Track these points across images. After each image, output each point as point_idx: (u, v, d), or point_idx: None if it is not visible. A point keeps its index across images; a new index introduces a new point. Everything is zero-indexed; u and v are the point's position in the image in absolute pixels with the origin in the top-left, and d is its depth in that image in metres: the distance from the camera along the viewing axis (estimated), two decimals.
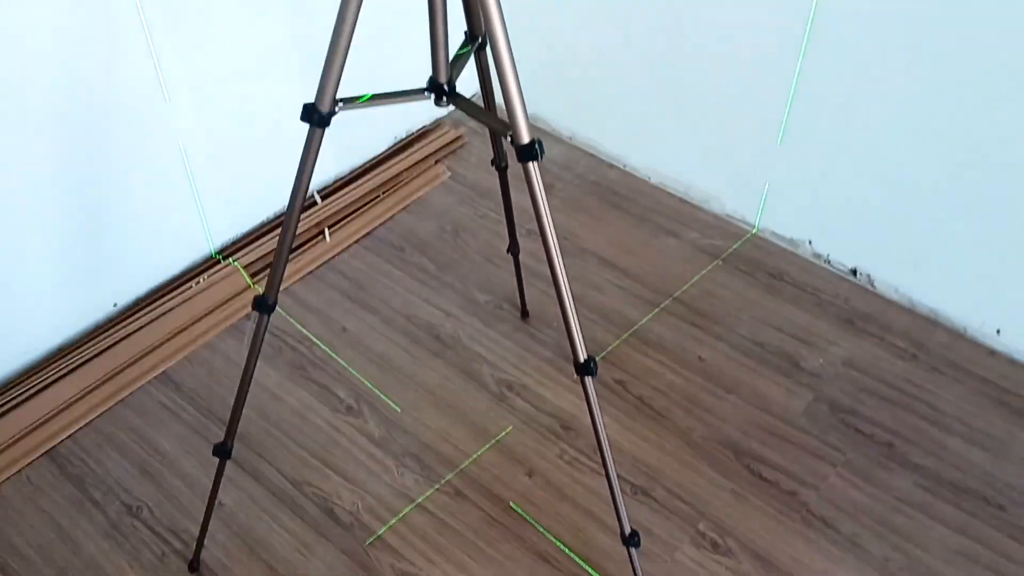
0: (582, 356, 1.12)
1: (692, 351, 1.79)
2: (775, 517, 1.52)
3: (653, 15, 1.93)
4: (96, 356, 1.70)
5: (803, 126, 1.83)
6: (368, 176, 2.12)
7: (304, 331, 1.82)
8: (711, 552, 1.48)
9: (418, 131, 2.28)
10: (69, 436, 1.63)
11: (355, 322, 1.84)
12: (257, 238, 1.97)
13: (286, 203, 1.10)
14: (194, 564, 1.44)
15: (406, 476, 1.58)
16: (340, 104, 1.01)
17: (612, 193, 2.16)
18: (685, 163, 2.10)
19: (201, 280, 1.86)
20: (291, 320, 1.84)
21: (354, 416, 1.67)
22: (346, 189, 2.08)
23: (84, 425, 1.64)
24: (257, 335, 1.19)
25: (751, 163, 1.96)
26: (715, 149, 2.02)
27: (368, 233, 2.04)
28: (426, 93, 1.07)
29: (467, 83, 1.42)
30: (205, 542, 1.43)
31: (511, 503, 1.54)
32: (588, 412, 1.17)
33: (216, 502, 1.39)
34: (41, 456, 1.59)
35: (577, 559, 1.47)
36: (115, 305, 1.79)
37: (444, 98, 1.06)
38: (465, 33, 1.17)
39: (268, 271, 1.15)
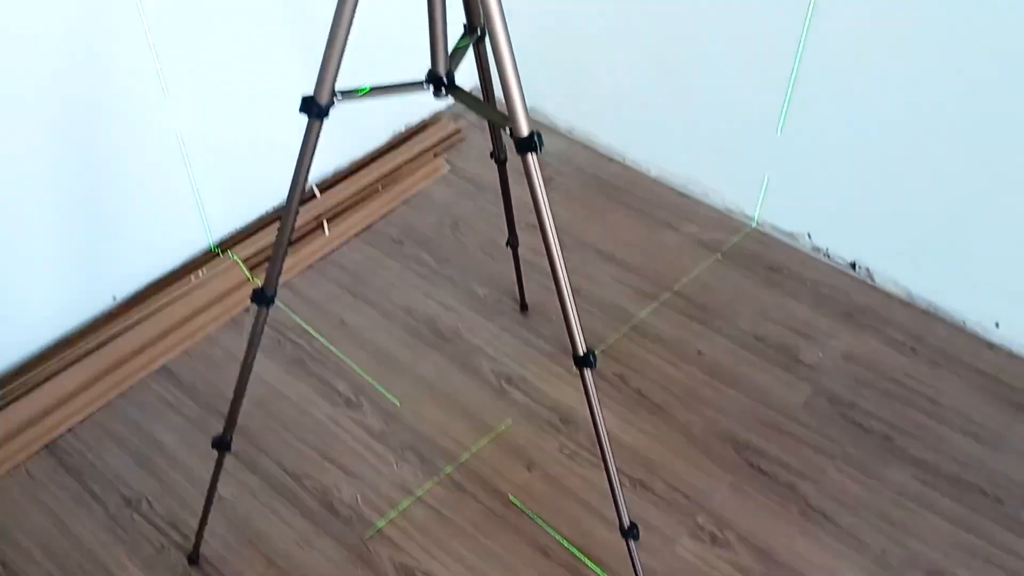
0: (581, 349, 1.12)
1: (691, 344, 1.79)
2: (774, 510, 1.52)
3: (652, 7, 1.92)
4: (95, 349, 1.70)
5: (803, 118, 1.82)
6: (367, 169, 2.12)
7: (303, 325, 1.82)
8: (710, 545, 1.48)
9: (417, 125, 2.28)
10: (69, 429, 1.63)
11: (354, 316, 1.84)
12: (256, 231, 1.96)
13: (285, 196, 1.10)
14: (194, 557, 1.44)
15: (405, 469, 1.58)
16: (339, 96, 1.00)
17: (611, 186, 2.16)
18: (684, 156, 2.10)
19: (200, 273, 1.86)
20: (290, 314, 1.84)
21: (353, 409, 1.67)
22: (345, 182, 2.08)
23: (84, 418, 1.64)
24: (256, 328, 1.19)
25: (750, 155, 1.96)
26: (714, 142, 2.01)
27: (367, 226, 2.04)
28: (425, 85, 1.06)
29: (466, 78, 1.42)
30: (205, 535, 1.43)
31: (510, 496, 1.54)
32: (587, 405, 1.17)
33: (215, 495, 1.39)
34: (41, 449, 1.60)
35: (576, 552, 1.47)
36: (114, 298, 1.79)
37: (443, 90, 1.06)
38: (464, 25, 1.17)
39: (267, 264, 1.15)
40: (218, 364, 1.74)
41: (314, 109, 1.00)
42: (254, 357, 1.23)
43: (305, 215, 1.98)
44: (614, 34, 2.03)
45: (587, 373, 1.14)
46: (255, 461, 1.58)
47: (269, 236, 1.95)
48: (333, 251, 1.98)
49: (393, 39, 1.92)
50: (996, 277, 1.73)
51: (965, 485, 1.56)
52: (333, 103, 1.01)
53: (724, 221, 2.06)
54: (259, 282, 1.15)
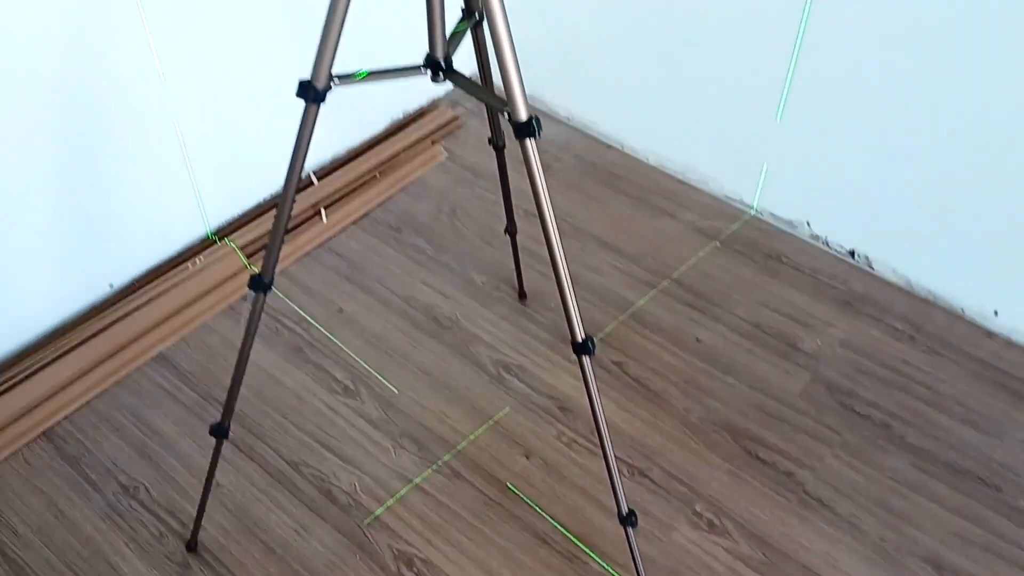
0: (580, 336, 1.11)
1: (690, 332, 1.79)
2: (772, 497, 1.53)
3: None
4: (92, 337, 1.69)
5: (802, 105, 1.82)
6: (364, 157, 2.11)
7: (301, 312, 1.81)
8: (708, 532, 1.48)
9: (415, 111, 2.27)
10: (66, 417, 1.62)
11: (352, 303, 1.84)
12: (253, 218, 1.96)
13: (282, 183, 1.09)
14: (192, 544, 1.44)
15: (403, 457, 1.58)
16: (336, 80, 1.00)
17: (610, 174, 2.15)
18: (683, 144, 2.09)
19: (197, 261, 1.85)
20: (288, 301, 1.83)
21: (351, 397, 1.67)
22: (342, 170, 2.07)
23: (81, 406, 1.64)
24: (253, 314, 1.19)
25: (749, 143, 1.95)
26: (713, 129, 2.01)
27: (365, 214, 2.03)
28: (423, 69, 1.06)
29: (464, 65, 1.41)
30: (203, 522, 1.43)
31: (508, 484, 1.54)
32: (586, 392, 1.17)
33: (214, 483, 1.39)
34: (38, 437, 1.59)
35: (574, 539, 1.47)
36: (111, 286, 1.78)
37: (441, 74, 1.05)
38: (462, 9, 1.16)
39: (264, 252, 1.15)
40: (215, 352, 1.74)
41: (311, 93, 0.99)
42: (251, 344, 1.22)
43: (302, 202, 1.97)
44: (613, 21, 2.02)
45: (586, 360, 1.13)
46: (253, 449, 1.58)
47: (266, 223, 1.94)
48: (330, 239, 1.97)
49: (390, 24, 1.91)
50: (995, 265, 1.73)
51: (963, 473, 1.56)
52: (330, 87, 1.00)
53: (723, 209, 2.06)
54: (256, 270, 1.15)
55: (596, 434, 1.21)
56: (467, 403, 1.66)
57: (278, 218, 1.10)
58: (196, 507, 1.41)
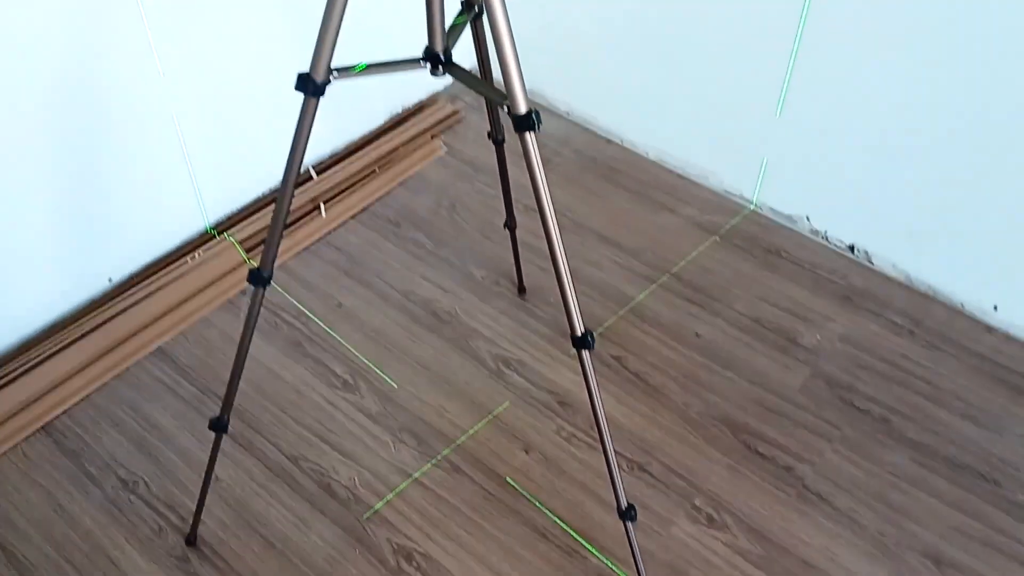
0: (580, 330, 1.11)
1: (689, 327, 1.79)
2: (771, 492, 1.53)
3: None
4: (91, 331, 1.69)
5: (802, 100, 1.81)
6: (364, 151, 2.11)
7: (300, 307, 1.81)
8: (707, 526, 1.48)
9: (414, 106, 2.26)
10: (65, 411, 1.62)
11: (351, 298, 1.84)
12: (252, 213, 1.96)
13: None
14: (191, 538, 1.44)
15: (403, 451, 1.58)
16: (335, 73, 0.99)
17: (609, 168, 2.15)
18: (683, 138, 2.09)
19: (196, 255, 1.85)
20: (287, 296, 1.83)
21: (351, 392, 1.67)
22: (342, 164, 2.07)
23: (80, 400, 1.64)
24: (253, 308, 1.19)
25: (749, 137, 1.95)
26: (713, 124, 2.00)
27: (364, 208, 2.03)
28: (422, 62, 1.05)
29: (464, 59, 1.40)
30: (202, 517, 1.43)
31: (508, 478, 1.54)
32: (585, 387, 1.17)
33: (213, 477, 1.39)
34: (37, 431, 1.59)
35: (573, 533, 1.47)
36: (110, 280, 1.78)
37: (440, 67, 1.05)
38: (461, 2, 1.16)
39: (263, 246, 1.14)
40: (215, 346, 1.74)
41: (310, 86, 0.99)
42: (251, 338, 1.22)
43: (302, 197, 1.97)
44: (613, 15, 2.02)
45: (585, 354, 1.13)
46: (252, 443, 1.58)
47: (265, 218, 1.94)
48: (330, 233, 1.97)
49: (390, 17, 1.90)
50: (995, 260, 1.73)
51: (963, 467, 1.56)
52: (329, 80, 0.99)
53: (722, 203, 2.06)
54: (255, 264, 1.14)
55: (595, 429, 1.21)
56: (466, 398, 1.66)
57: (277, 212, 1.10)
58: (195, 501, 1.41)
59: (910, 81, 1.64)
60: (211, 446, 1.34)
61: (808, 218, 1.97)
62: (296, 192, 1.92)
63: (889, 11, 1.59)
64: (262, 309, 1.21)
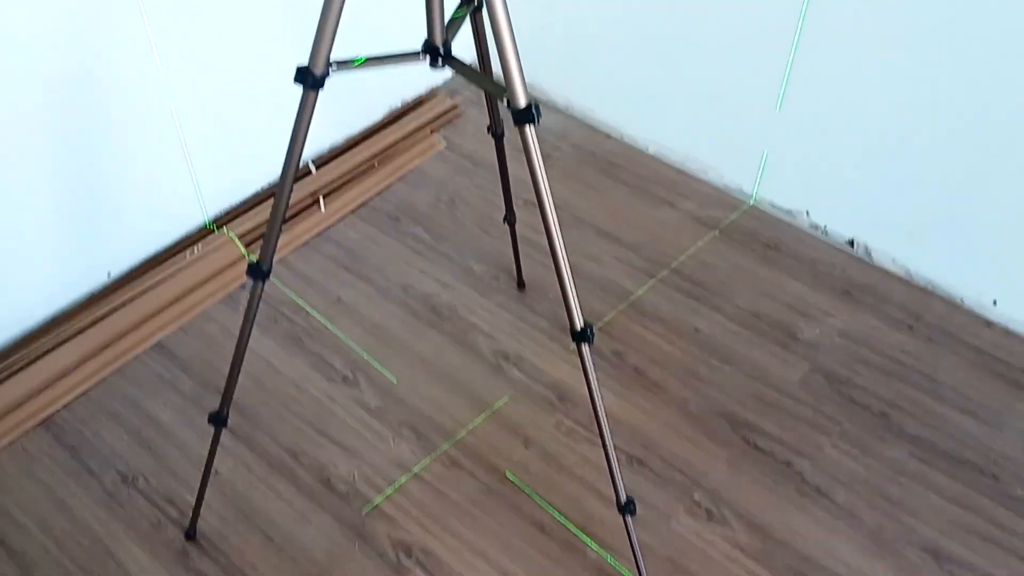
0: (579, 323, 1.11)
1: (688, 322, 1.79)
2: (770, 487, 1.53)
3: None
4: (90, 326, 1.69)
5: (802, 95, 1.81)
6: (363, 145, 2.11)
7: (299, 301, 1.81)
8: (706, 521, 1.48)
9: (413, 100, 2.26)
10: (64, 406, 1.62)
11: (351, 292, 1.84)
12: (252, 207, 1.95)
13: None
14: (191, 532, 1.44)
15: (402, 446, 1.58)
16: (334, 66, 0.99)
17: (609, 163, 2.15)
18: (682, 133, 2.09)
19: (195, 250, 1.84)
20: (286, 290, 1.83)
21: (350, 386, 1.67)
22: (341, 159, 2.07)
23: (79, 395, 1.64)
24: (252, 302, 1.18)
25: (749, 132, 1.95)
26: (712, 118, 2.00)
27: (363, 203, 2.03)
28: (421, 55, 1.05)
29: (463, 54, 1.40)
30: (201, 511, 1.43)
31: (507, 473, 1.54)
32: (585, 381, 1.17)
33: (212, 471, 1.38)
34: (36, 426, 1.59)
35: (573, 528, 1.47)
36: (109, 275, 1.78)
37: (439, 60, 1.05)
38: None
39: (262, 240, 1.14)
40: (214, 340, 1.74)
41: (309, 79, 0.99)
42: (250, 332, 1.22)
43: (301, 191, 1.97)
44: (613, 9, 2.01)
45: (585, 348, 1.13)
46: (252, 437, 1.58)
47: (265, 212, 1.94)
48: (329, 228, 1.97)
49: (389, 11, 1.90)
50: (994, 255, 1.73)
51: (961, 462, 1.56)
52: (328, 73, 0.99)
53: (722, 198, 2.06)
54: (255, 258, 1.14)
55: (595, 423, 1.21)
56: (466, 392, 1.66)
57: (276, 206, 1.10)
58: (195, 495, 1.41)
59: (910, 76, 1.64)
60: (210, 440, 1.34)
61: (808, 213, 1.97)
62: (295, 187, 1.91)
63: (889, 6, 1.59)
64: (261, 304, 1.20)
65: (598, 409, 1.19)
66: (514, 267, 1.82)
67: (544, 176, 1.01)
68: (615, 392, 1.66)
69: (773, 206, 2.01)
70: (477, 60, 1.34)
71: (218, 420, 1.31)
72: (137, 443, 1.57)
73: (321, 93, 1.01)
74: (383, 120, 2.19)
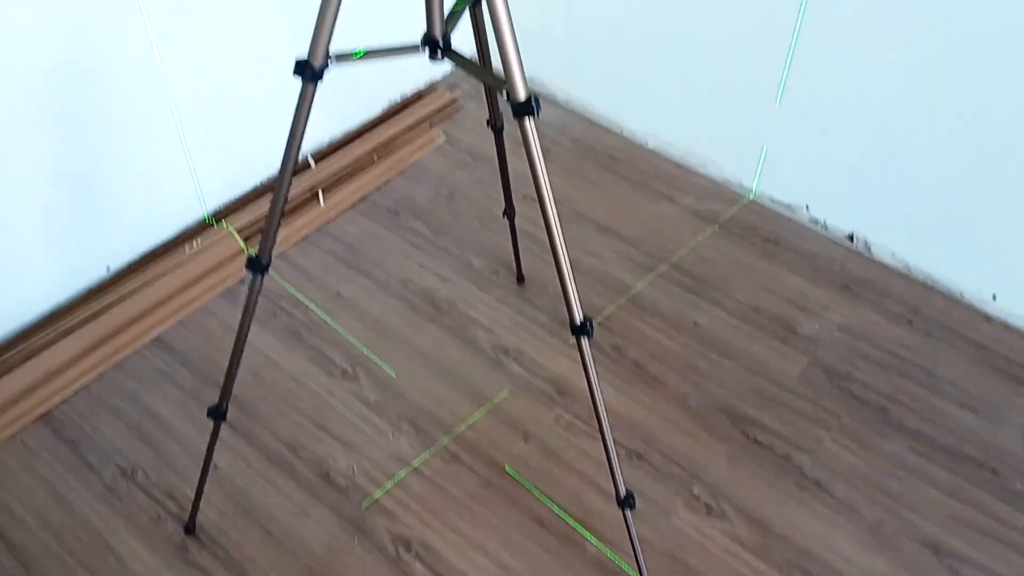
0: (578, 317, 1.11)
1: (688, 316, 1.79)
2: (769, 481, 1.53)
3: None
4: (90, 320, 1.69)
5: (801, 89, 1.81)
6: (362, 139, 2.10)
7: (299, 296, 1.81)
8: (705, 515, 1.48)
9: (412, 94, 2.26)
10: (63, 400, 1.62)
11: (350, 287, 1.83)
12: (250, 201, 1.95)
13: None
14: (190, 527, 1.44)
15: (401, 440, 1.58)
16: (333, 59, 0.99)
17: (608, 157, 2.14)
18: (682, 127, 2.09)
19: (195, 244, 1.84)
20: (286, 285, 1.83)
21: (349, 381, 1.67)
22: (340, 153, 2.06)
23: (78, 389, 1.64)
24: (251, 296, 1.18)
25: (748, 127, 1.94)
26: (712, 113, 2.00)
27: (363, 197, 2.02)
28: (420, 48, 1.05)
29: (463, 47, 1.40)
30: (201, 505, 1.43)
31: (506, 467, 1.54)
32: (584, 376, 1.17)
33: (211, 465, 1.38)
34: (36, 420, 1.59)
35: (572, 522, 1.47)
36: (108, 269, 1.78)
37: (439, 53, 1.04)
38: None
39: (261, 234, 1.14)
40: (213, 334, 1.74)
41: (308, 72, 0.98)
42: (249, 326, 1.22)
43: (300, 185, 1.96)
44: (613, 3, 2.01)
45: (584, 342, 1.13)
46: (251, 431, 1.58)
47: (264, 207, 1.94)
48: (328, 222, 1.97)
49: (388, 4, 1.89)
50: (993, 249, 1.73)
51: (961, 456, 1.56)
52: (327, 66, 0.99)
53: (722, 193, 2.05)
54: (254, 252, 1.14)
55: (595, 417, 1.21)
56: (465, 387, 1.66)
57: (275, 199, 1.10)
58: (194, 489, 1.41)
59: (910, 70, 1.64)
60: (210, 434, 1.34)
61: (807, 207, 1.96)
62: (294, 181, 1.91)
63: (888, 1, 1.59)
64: (261, 298, 1.20)
65: (597, 403, 1.19)
66: (514, 261, 1.81)
67: (544, 170, 1.01)
68: (615, 386, 1.66)
69: (773, 200, 2.01)
70: (477, 53, 1.34)
71: (217, 414, 1.31)
72: (136, 437, 1.57)
73: (320, 87, 1.01)
74: (382, 114, 2.18)
